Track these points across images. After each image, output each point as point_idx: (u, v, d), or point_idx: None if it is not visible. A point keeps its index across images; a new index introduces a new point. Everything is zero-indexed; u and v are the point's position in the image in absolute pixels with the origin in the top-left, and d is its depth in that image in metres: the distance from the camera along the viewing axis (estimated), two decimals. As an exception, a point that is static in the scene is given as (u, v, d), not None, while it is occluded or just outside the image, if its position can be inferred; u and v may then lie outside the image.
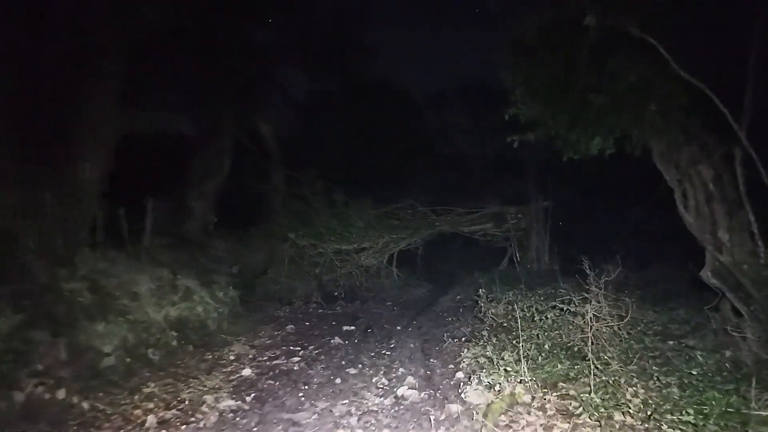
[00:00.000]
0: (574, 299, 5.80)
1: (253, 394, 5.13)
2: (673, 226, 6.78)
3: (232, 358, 6.15)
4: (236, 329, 7.43)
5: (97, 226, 6.52)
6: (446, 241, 13.64)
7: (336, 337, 7.35)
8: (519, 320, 6.03)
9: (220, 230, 9.82)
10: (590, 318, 5.04)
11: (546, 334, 5.79)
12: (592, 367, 4.53)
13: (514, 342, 6.01)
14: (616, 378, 4.52)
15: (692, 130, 5.77)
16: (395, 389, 5.23)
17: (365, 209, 11.73)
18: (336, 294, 10.97)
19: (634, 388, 4.46)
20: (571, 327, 5.65)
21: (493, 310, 7.36)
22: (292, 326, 8.30)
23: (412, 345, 6.97)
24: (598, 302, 5.37)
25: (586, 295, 5.80)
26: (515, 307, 7.14)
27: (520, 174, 11.54)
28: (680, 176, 5.88)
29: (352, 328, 8.28)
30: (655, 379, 4.66)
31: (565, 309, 5.94)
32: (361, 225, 11.62)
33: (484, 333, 6.67)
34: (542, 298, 7.28)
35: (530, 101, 5.75)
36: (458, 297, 10.57)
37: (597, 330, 5.05)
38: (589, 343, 4.84)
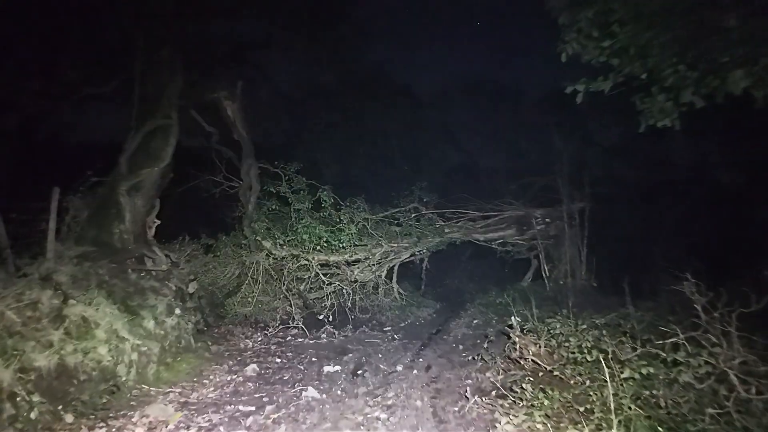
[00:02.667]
0: (681, 341, 3.63)
1: None
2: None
3: (137, 432, 3.98)
4: (169, 375, 5.28)
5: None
6: (456, 251, 11.47)
7: (310, 388, 5.16)
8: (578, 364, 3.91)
9: (174, 237, 7.72)
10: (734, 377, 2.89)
11: (638, 401, 3.60)
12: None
13: (580, 407, 3.86)
14: None
15: None
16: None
17: (359, 213, 9.59)
18: (322, 317, 8.78)
19: None
20: (684, 389, 3.46)
21: (533, 348, 5.19)
22: (256, 366, 6.13)
23: (418, 403, 4.78)
24: (733, 349, 3.22)
25: (696, 334, 3.68)
26: (569, 344, 5.04)
27: (548, 168, 9.40)
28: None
29: (337, 369, 6.11)
30: None
31: (666, 357, 3.74)
32: (354, 232, 9.47)
33: (526, 386, 4.48)
34: (605, 332, 5.09)
35: (612, 27, 3.64)
36: (474, 321, 8.41)
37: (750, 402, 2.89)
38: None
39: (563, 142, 8.93)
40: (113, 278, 5.62)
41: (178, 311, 6.64)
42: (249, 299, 8.91)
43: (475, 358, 5.83)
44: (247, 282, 9.03)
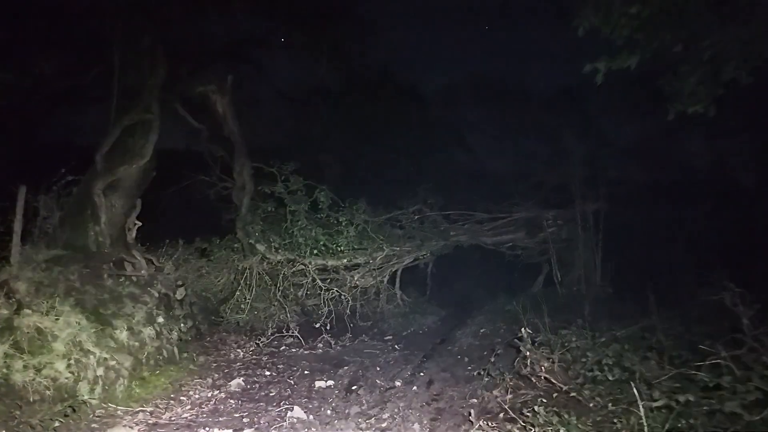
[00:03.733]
0: (725, 362, 3.06)
1: None
2: None
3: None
4: (143, 392, 4.79)
5: None
6: (463, 255, 10.89)
7: (297, 408, 4.64)
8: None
9: (159, 241, 7.27)
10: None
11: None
12: None
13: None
14: None
15: None
16: None
17: (359, 214, 9.07)
18: (319, 325, 8.25)
19: None
20: (730, 421, 2.88)
21: (545, 364, 4.63)
22: (241, 381, 5.62)
23: (416, 426, 4.23)
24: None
25: (740, 352, 3.12)
26: (586, 360, 4.49)
27: (560, 167, 8.82)
28: None
29: (330, 384, 5.59)
30: None
31: (708, 381, 3.16)
32: (354, 235, 8.96)
33: (539, 410, 3.92)
34: (627, 346, 4.52)
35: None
36: (482, 331, 7.84)
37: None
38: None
39: (576, 139, 8.36)
40: (86, 285, 5.17)
41: (161, 319, 6.18)
42: (242, 306, 8.45)
43: (482, 373, 5.28)
44: (240, 288, 8.56)
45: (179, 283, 7.50)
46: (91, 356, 4.23)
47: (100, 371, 4.27)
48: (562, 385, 4.26)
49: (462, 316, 9.97)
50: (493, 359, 5.31)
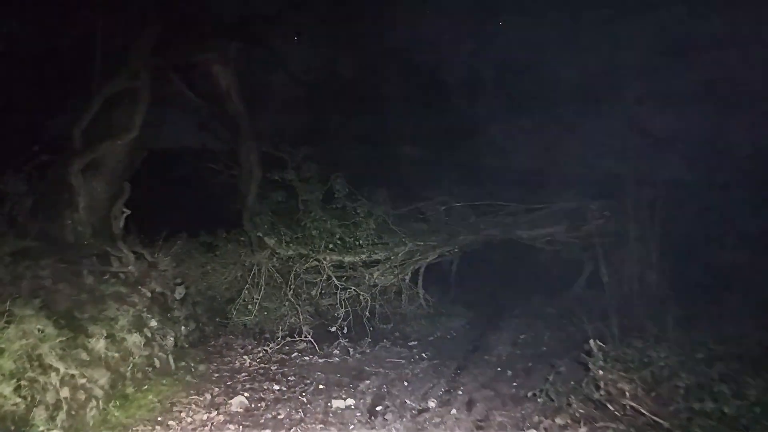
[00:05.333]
0: None
1: None
2: None
3: None
4: (123, 415, 3.92)
5: None
6: (485, 250, 9.87)
7: (310, 437, 3.71)
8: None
9: (158, 234, 6.42)
10: None
11: None
12: None
13: None
14: None
15: None
16: None
17: (379, 205, 8.10)
18: (335, 329, 7.31)
19: None
20: None
21: (626, 387, 3.63)
22: (245, 399, 4.72)
23: (465, 470, 3.27)
24: None
25: None
26: (683, 383, 3.51)
27: (609, 149, 7.76)
28: None
29: (349, 403, 4.67)
30: None
31: None
32: (373, 228, 7.99)
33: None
34: (736, 366, 3.49)
35: None
36: (521, 337, 6.87)
37: None
38: None
39: (626, 115, 7.29)
40: (59, 282, 4.31)
41: (153, 323, 5.32)
42: (250, 307, 7.57)
43: (537, 394, 4.28)
44: (247, 286, 7.68)
45: (178, 280, 6.65)
46: (53, 374, 3.36)
47: (64, 392, 3.40)
48: (656, 418, 3.26)
49: (492, 319, 8.98)
50: (551, 377, 4.29)
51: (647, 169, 7.70)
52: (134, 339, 4.57)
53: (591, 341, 3.92)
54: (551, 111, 8.97)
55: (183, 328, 6.62)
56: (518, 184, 8.72)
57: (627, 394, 3.47)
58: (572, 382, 4.08)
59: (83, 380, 3.62)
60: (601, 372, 3.70)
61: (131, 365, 4.46)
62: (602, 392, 3.64)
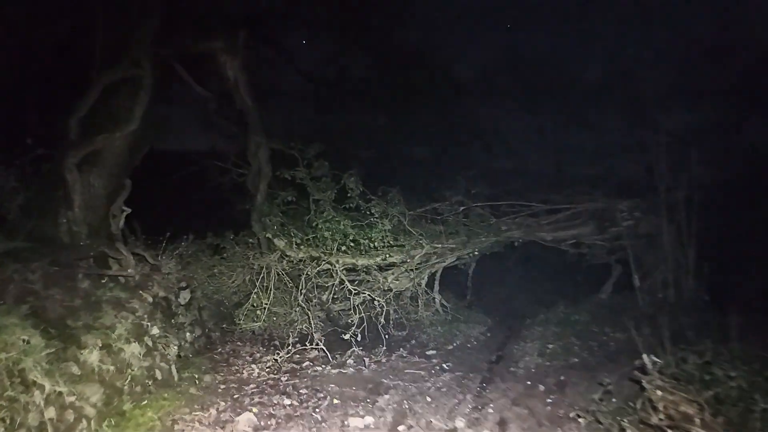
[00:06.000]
0: None
1: None
2: None
3: None
4: (116, 436, 3.49)
5: None
6: (499, 253, 9.38)
7: (327, 466, 3.27)
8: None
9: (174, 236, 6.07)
10: None
11: None
12: None
13: None
14: None
15: None
16: None
17: (394, 206, 7.67)
18: (348, 337, 6.87)
19: None
20: None
21: (689, 410, 3.16)
22: (253, 415, 4.30)
23: None
24: None
25: None
26: (758, 406, 3.03)
27: (639, 145, 7.26)
28: None
29: (368, 422, 4.24)
30: None
31: None
32: (388, 229, 7.56)
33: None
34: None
35: None
36: (549, 347, 6.37)
37: None
38: None
39: (660, 109, 6.81)
40: (50, 287, 3.92)
41: (155, 331, 4.92)
42: (259, 312, 7.16)
43: (580, 415, 3.81)
44: (256, 290, 7.27)
45: (183, 284, 6.26)
46: (37, 392, 2.97)
47: (49, 412, 3.00)
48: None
49: (513, 326, 8.52)
50: (599, 396, 3.80)
51: (680, 165, 7.19)
52: (133, 349, 4.17)
53: (645, 356, 3.45)
54: (576, 107, 8.54)
55: (188, 334, 6.24)
56: (540, 183, 8.25)
57: (696, 420, 3.01)
58: (622, 402, 3.61)
59: (72, 398, 3.22)
60: (659, 392, 3.24)
61: (129, 378, 4.05)
62: (662, 416, 3.18)
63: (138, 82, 4.93)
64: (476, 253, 8.25)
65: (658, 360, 3.47)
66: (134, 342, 4.25)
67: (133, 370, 4.14)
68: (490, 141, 9.82)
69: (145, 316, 4.83)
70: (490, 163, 9.51)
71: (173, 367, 5.06)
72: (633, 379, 3.63)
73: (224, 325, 7.34)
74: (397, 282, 7.86)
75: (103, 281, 4.58)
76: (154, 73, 5.00)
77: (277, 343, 6.91)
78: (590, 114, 8.47)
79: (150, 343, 4.70)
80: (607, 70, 8.52)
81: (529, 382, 5.22)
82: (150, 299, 5.07)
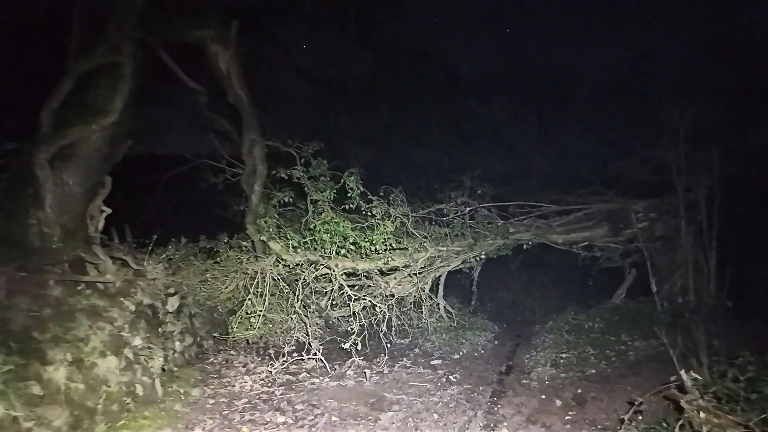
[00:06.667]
0: None
1: None
2: None
3: None
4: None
5: None
6: (502, 256, 8.95)
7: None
8: None
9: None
10: None
11: None
12: None
13: None
14: None
15: None
16: None
17: (396, 207, 7.27)
18: (348, 346, 6.45)
19: None
20: None
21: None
22: (242, 436, 3.89)
23: None
24: None
25: None
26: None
27: (655, 143, 6.88)
28: None
29: (370, 444, 3.79)
30: None
31: None
32: (390, 231, 7.14)
33: None
34: None
35: None
36: (563, 357, 5.95)
37: None
38: None
39: (677, 104, 6.42)
40: (16, 295, 3.51)
41: (137, 342, 4.51)
42: (253, 319, 6.75)
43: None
44: (250, 296, 6.86)
45: (171, 290, 5.86)
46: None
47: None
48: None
49: (522, 333, 8.14)
50: (627, 417, 3.39)
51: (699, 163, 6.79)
52: (109, 363, 3.75)
53: (683, 374, 3.04)
54: (588, 106, 8.16)
55: (177, 344, 5.86)
56: (551, 183, 7.86)
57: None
58: (655, 424, 3.19)
59: (30, 423, 2.81)
60: (702, 414, 2.83)
61: (104, 396, 3.63)
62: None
63: (118, 69, 4.53)
64: (483, 256, 7.85)
65: (698, 377, 3.06)
66: (111, 355, 3.84)
67: (108, 387, 3.72)
68: (498, 141, 9.45)
69: (126, 325, 4.43)
70: (497, 161, 9.11)
71: (157, 381, 4.65)
72: (667, 397, 3.22)
73: (217, 334, 6.98)
74: (400, 287, 7.44)
75: (79, 288, 4.17)
76: (136, 61, 4.61)
77: (272, 352, 6.54)
78: (603, 112, 8.10)
79: (131, 356, 4.30)
80: (620, 69, 8.15)
81: (543, 396, 4.81)
82: (132, 307, 4.66)
